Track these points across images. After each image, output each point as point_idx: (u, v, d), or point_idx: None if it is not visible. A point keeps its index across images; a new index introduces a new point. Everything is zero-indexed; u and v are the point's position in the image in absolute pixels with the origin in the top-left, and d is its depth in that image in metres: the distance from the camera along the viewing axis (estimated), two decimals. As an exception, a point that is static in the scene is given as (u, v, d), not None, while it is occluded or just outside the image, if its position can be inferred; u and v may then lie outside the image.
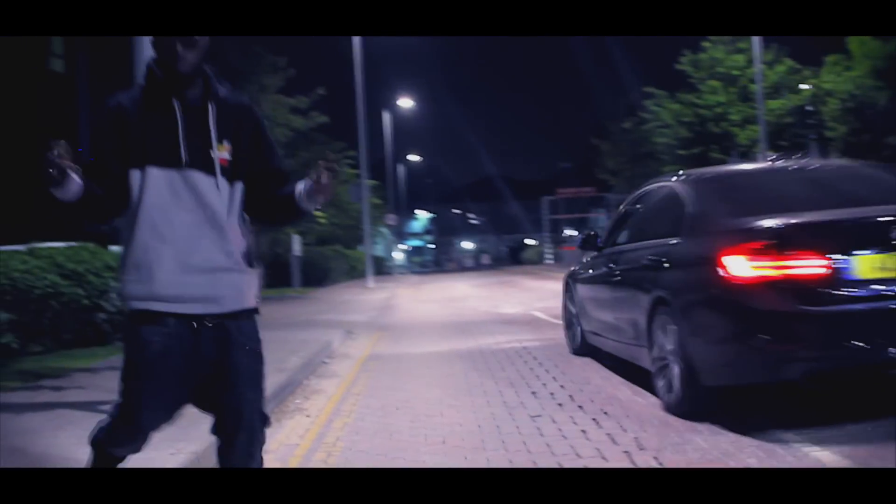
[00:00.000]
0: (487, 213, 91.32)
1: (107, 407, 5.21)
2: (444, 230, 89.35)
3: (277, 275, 24.49)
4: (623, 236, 6.72)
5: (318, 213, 39.01)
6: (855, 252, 4.36)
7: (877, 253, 4.36)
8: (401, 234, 69.48)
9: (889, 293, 4.32)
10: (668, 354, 5.10)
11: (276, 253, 25.08)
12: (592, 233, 7.52)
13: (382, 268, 40.57)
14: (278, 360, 7.44)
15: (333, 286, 25.92)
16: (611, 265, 6.57)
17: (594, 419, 5.01)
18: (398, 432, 5.04)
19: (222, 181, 2.66)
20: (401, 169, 60.76)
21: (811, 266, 4.36)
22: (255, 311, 2.73)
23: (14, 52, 29.83)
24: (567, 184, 55.98)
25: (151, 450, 4.01)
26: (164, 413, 2.69)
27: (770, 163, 6.04)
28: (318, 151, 33.75)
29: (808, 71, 25.00)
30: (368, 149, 28.43)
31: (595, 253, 7.27)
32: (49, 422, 4.88)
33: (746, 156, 22.67)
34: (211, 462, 2.83)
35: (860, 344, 4.28)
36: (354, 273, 31.33)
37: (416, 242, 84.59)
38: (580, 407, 5.41)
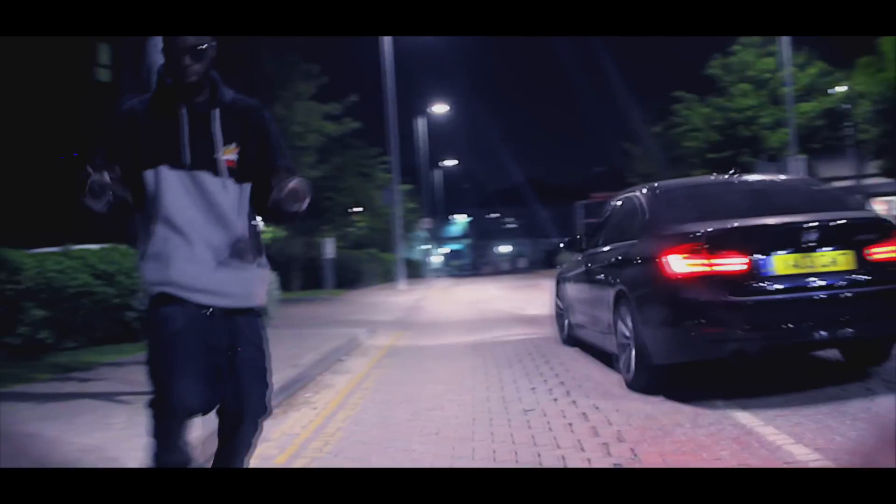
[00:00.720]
0: (524, 216, 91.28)
1: (125, 397, 5.62)
2: (481, 234, 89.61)
3: (311, 277, 24.98)
4: (600, 239, 7.45)
5: (356, 218, 39.59)
6: (773, 252, 5.25)
7: (791, 253, 5.27)
8: (438, 238, 69.92)
9: (800, 286, 5.21)
10: (627, 339, 5.94)
11: (309, 256, 25.56)
12: (578, 236, 8.27)
13: (418, 271, 40.89)
14: (294, 357, 7.79)
15: (365, 288, 26.31)
16: (588, 265, 7.42)
17: (583, 413, 5.22)
18: (396, 424, 5.29)
19: (230, 182, 2.80)
20: (437, 174, 61.15)
21: (736, 263, 5.23)
22: (262, 309, 2.90)
23: (61, 63, 30.85)
24: (602, 188, 55.84)
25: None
26: (194, 390, 2.70)
27: (727, 177, 6.76)
28: (351, 157, 34.32)
29: (840, 73, 24.71)
30: (402, 154, 29.00)
31: (579, 254, 7.99)
32: (69, 409, 5.24)
33: (775, 159, 22.50)
34: (212, 448, 2.97)
35: (776, 328, 5.19)
36: (389, 276, 31.69)
37: (454, 246, 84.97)
38: (574, 402, 5.62)
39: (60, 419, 4.94)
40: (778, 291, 5.20)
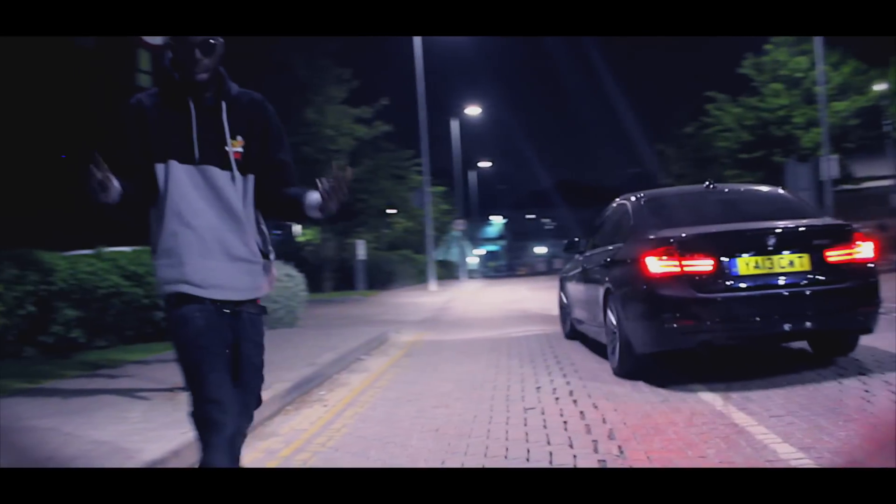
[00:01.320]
0: (560, 218, 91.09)
1: (146, 393, 5.89)
2: (517, 235, 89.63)
3: (344, 278, 25.29)
4: (595, 242, 8.13)
5: (392, 220, 39.92)
6: (738, 255, 5.95)
7: (753, 255, 5.95)
8: (474, 240, 70.00)
9: (761, 285, 5.91)
10: (614, 331, 6.64)
11: (342, 257, 25.90)
12: (576, 239, 9.04)
13: (453, 273, 41.05)
14: (313, 356, 8.02)
15: (396, 290, 26.56)
16: (585, 265, 8.18)
17: (581, 411, 5.36)
18: (400, 421, 5.47)
19: (237, 174, 2.83)
20: (472, 175, 61.33)
21: (704, 265, 5.93)
22: (263, 308, 2.93)
23: (103, 69, 31.49)
24: (637, 189, 55.33)
25: (165, 429, 4.61)
26: (227, 381, 2.74)
27: (704, 187, 7.32)
28: (384, 159, 34.64)
29: (874, 71, 24.34)
30: (436, 156, 29.19)
31: (579, 255, 8.74)
32: (90, 404, 5.51)
33: (807, 159, 22.26)
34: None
35: (740, 321, 5.90)
36: (422, 277, 31.93)
37: (490, 247, 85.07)
38: (574, 401, 5.76)
39: (80, 414, 5.21)
40: (741, 289, 5.90)
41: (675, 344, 6.04)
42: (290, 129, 19.52)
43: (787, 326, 5.93)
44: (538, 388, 6.41)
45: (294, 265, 13.25)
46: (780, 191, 7.66)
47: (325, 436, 5.14)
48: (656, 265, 6.02)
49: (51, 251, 8.85)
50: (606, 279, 6.93)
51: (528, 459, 4.26)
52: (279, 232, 32.53)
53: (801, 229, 6.20)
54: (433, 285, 25.54)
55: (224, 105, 2.84)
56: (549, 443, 4.57)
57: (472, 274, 51.95)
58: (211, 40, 2.73)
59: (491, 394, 6.27)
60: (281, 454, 4.70)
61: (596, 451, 4.32)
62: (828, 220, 6.70)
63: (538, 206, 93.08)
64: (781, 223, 6.20)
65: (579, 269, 8.47)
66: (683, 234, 6.12)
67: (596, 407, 5.46)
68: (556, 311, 10.56)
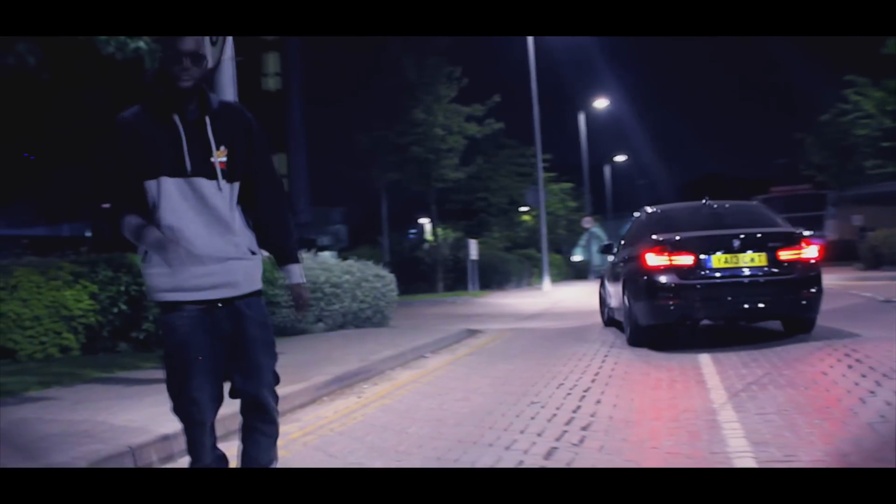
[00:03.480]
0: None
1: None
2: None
3: (458, 278, 25.77)
4: (623, 245, 10.17)
5: (525, 217, 40.07)
6: (713, 253, 8.06)
7: (724, 253, 8.07)
8: (611, 237, 68.85)
9: (728, 275, 7.99)
10: (627, 311, 8.81)
11: (456, 257, 26.39)
12: (610, 244, 11.67)
13: (582, 272, 40.65)
14: (371, 352, 8.49)
15: (508, 290, 26.73)
16: (614, 265, 10.29)
17: (579, 406, 5.54)
18: (416, 412, 5.80)
19: (223, 183, 3.01)
20: (606, 171, 60.39)
21: (686, 260, 8.06)
22: (260, 291, 3.13)
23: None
24: (785, 181, 52.58)
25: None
26: (209, 381, 3.01)
27: (701, 203, 9.32)
28: (505, 156, 34.85)
29: None
30: (566, 151, 29.17)
31: (613, 257, 10.76)
32: (144, 391, 6.14)
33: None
34: (234, 424, 3.29)
35: (712, 301, 8.01)
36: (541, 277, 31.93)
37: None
38: (584, 395, 5.93)
39: (131, 398, 5.87)
40: (714, 278, 8.00)
41: (665, 318, 8.18)
42: (399, 130, 20.56)
43: (746, 306, 7.99)
44: (560, 383, 6.60)
45: (389, 266, 13.82)
46: (758, 206, 9.73)
47: (339, 422, 5.57)
48: (653, 259, 8.18)
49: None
50: (623, 272, 9.11)
51: (491, 444, 4.50)
52: (415, 231, 33.52)
53: (759, 234, 8.19)
54: (547, 285, 25.59)
55: (208, 118, 3.00)
56: (521, 431, 4.80)
57: (599, 273, 50.89)
58: (200, 51, 2.91)
59: (521, 389, 6.49)
60: (291, 437, 5.13)
61: (568, 441, 4.53)
62: (782, 228, 8.55)
63: (682, 200, 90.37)
64: (747, 230, 8.23)
65: (612, 269, 10.39)
66: (673, 237, 8.26)
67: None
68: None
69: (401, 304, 20.06)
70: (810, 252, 8.11)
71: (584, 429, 4.77)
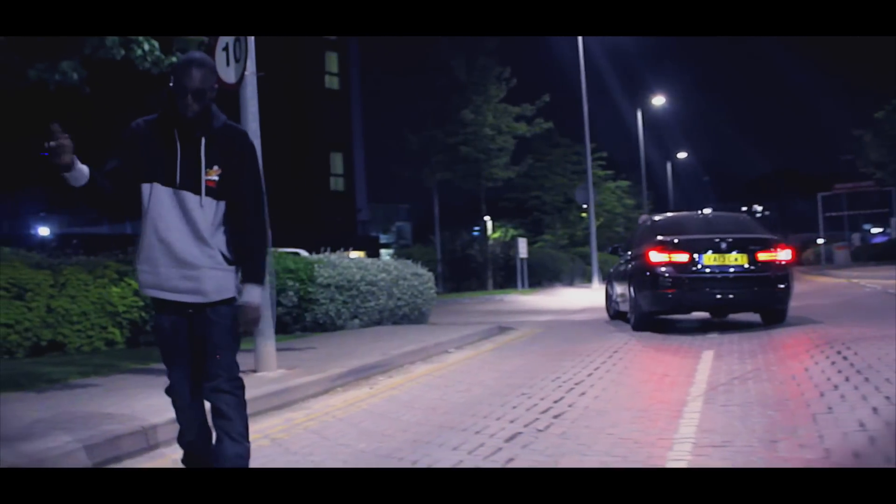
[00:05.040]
0: (775, 209, 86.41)
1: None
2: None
3: (510, 276, 26.11)
4: (629, 246, 11.87)
5: (583, 215, 40.13)
6: (704, 252, 9.87)
7: (713, 253, 9.90)
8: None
9: (716, 270, 9.85)
10: (632, 301, 10.48)
11: (507, 255, 26.73)
12: (618, 246, 14.11)
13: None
14: (391, 347, 8.96)
15: (556, 288, 26.89)
16: (622, 263, 12.06)
17: (562, 397, 5.89)
18: (416, 401, 6.20)
19: (207, 200, 3.28)
20: (669, 168, 59.89)
21: (683, 258, 9.84)
22: (232, 299, 3.37)
23: (296, 74, 33.94)
24: (852, 177, 51.09)
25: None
26: (186, 375, 3.39)
27: (698, 213, 12.50)
28: (558, 156, 34.99)
29: None
30: (625, 149, 29.00)
31: (619, 258, 12.83)
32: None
33: None
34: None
35: (703, 291, 9.86)
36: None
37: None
38: (574, 386, 6.27)
39: (155, 387, 6.32)
40: (705, 273, 9.86)
41: (664, 306, 10.04)
42: (449, 130, 21.30)
43: (731, 296, 9.88)
44: (556, 376, 6.95)
45: (440, 264, 14.28)
46: (744, 217, 12.50)
47: (343, 410, 6.03)
48: (655, 256, 9.95)
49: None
50: (629, 268, 10.87)
51: (462, 428, 4.89)
52: (479, 228, 34.05)
53: (742, 238, 10.05)
54: (596, 283, 25.68)
55: (203, 140, 3.28)
56: (502, 418, 5.18)
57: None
58: (204, 88, 3.20)
59: (520, 381, 6.86)
60: (295, 422, 5.63)
61: (535, 428, 4.90)
62: (761, 235, 10.39)
63: (751, 197, 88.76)
64: (733, 235, 10.10)
65: (620, 268, 12.14)
66: (672, 239, 10.06)
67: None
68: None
69: (449, 301, 20.64)
70: (783, 255, 9.86)
71: (556, 417, 5.14)
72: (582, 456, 4.09)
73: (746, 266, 9.69)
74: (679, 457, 3.94)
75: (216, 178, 3.29)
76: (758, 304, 10.03)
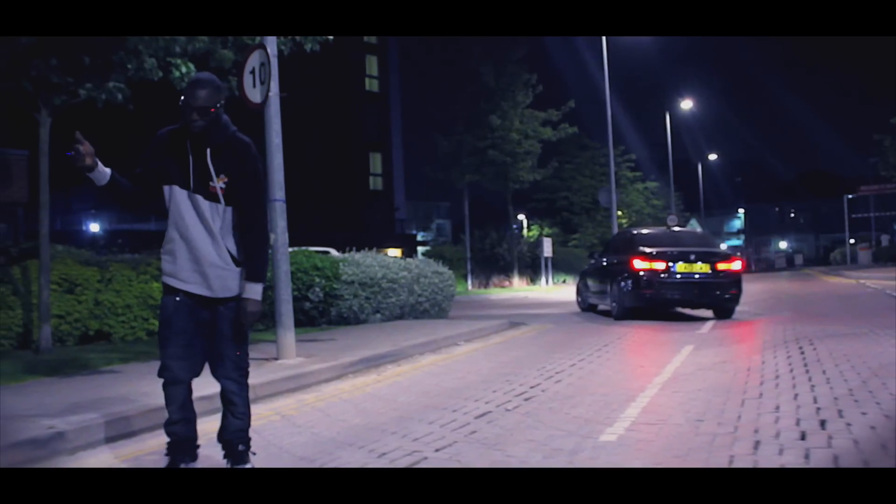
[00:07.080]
0: (807, 210, 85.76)
1: (256, 362, 7.90)
2: (759, 229, 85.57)
3: (536, 273, 26.79)
4: (608, 252, 14.83)
5: (620, 214, 40.57)
6: (677, 262, 12.71)
7: (684, 263, 12.75)
8: (717, 234, 68.22)
9: (685, 276, 12.70)
10: (615, 297, 13.32)
11: (534, 254, 27.43)
12: (594, 252, 16.96)
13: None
14: (403, 339, 9.72)
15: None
16: (599, 266, 14.88)
17: (539, 383, 6.64)
18: (414, 386, 6.94)
19: (217, 205, 3.68)
20: (700, 169, 59.88)
21: (661, 265, 12.63)
22: (238, 296, 3.72)
23: (337, 78, 34.66)
24: (876, 180, 50.70)
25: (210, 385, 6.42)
26: (182, 354, 3.67)
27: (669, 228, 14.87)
28: (586, 158, 35.54)
29: None
30: (658, 150, 29.19)
31: (593, 260, 15.71)
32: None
33: None
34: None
35: (675, 291, 12.74)
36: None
37: (733, 242, 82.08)
38: (557, 382, 7.02)
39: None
40: (677, 278, 12.62)
41: (643, 302, 12.77)
42: (477, 135, 22.59)
43: (695, 294, 12.72)
44: (551, 369, 7.70)
45: (470, 263, 15.04)
46: (704, 233, 16.11)
47: (349, 393, 6.81)
48: (638, 264, 12.74)
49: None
50: (615, 272, 13.49)
51: (443, 407, 5.67)
52: (515, 227, 34.86)
53: (706, 252, 12.96)
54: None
55: (209, 151, 3.67)
56: (476, 400, 5.96)
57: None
58: (208, 107, 3.58)
59: (511, 369, 7.63)
60: (305, 402, 6.39)
61: (506, 409, 5.66)
62: (720, 249, 13.86)
63: (786, 197, 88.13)
64: (699, 249, 13.08)
65: (595, 268, 15.07)
66: (651, 251, 12.83)
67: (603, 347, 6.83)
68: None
69: (474, 297, 21.36)
70: (735, 265, 12.88)
71: (526, 399, 5.91)
72: (533, 430, 4.84)
73: (708, 273, 12.63)
74: (614, 431, 4.68)
75: (223, 185, 3.69)
76: (714, 303, 12.87)
